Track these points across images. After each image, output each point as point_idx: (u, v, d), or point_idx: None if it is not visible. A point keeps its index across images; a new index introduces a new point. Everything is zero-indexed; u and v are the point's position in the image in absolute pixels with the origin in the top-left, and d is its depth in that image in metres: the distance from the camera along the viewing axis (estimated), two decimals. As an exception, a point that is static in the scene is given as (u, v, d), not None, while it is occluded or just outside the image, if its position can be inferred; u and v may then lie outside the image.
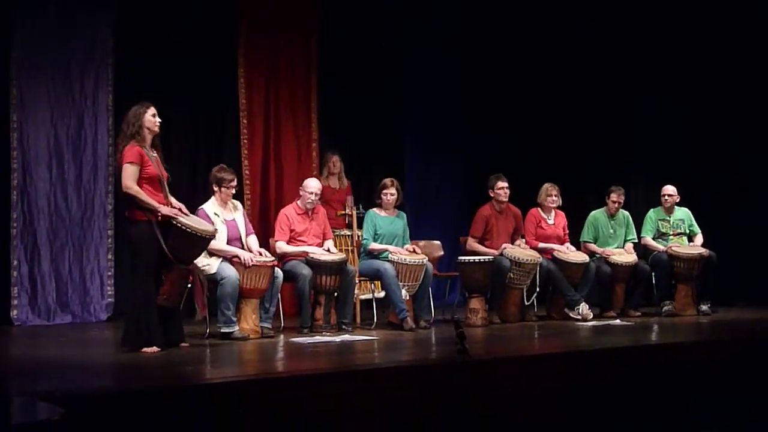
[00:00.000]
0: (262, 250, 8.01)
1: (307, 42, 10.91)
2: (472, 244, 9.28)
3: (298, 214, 8.55)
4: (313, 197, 8.52)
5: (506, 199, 9.29)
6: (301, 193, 8.63)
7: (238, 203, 8.27)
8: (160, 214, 6.69)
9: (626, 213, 10.04)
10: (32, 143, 9.42)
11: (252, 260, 7.74)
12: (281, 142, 10.70)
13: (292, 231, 8.47)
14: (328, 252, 8.43)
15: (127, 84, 9.74)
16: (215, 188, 7.96)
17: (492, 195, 9.30)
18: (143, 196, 6.65)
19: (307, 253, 8.33)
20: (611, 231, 9.86)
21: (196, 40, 10.20)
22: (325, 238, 8.63)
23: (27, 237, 9.37)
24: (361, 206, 9.34)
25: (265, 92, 10.64)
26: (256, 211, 10.34)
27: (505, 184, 9.26)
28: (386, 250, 8.63)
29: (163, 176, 6.84)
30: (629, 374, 6.32)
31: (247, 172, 10.32)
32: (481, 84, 12.19)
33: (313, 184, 8.62)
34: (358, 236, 9.18)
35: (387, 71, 11.73)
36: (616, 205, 9.83)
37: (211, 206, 7.91)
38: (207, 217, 7.70)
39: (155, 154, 6.88)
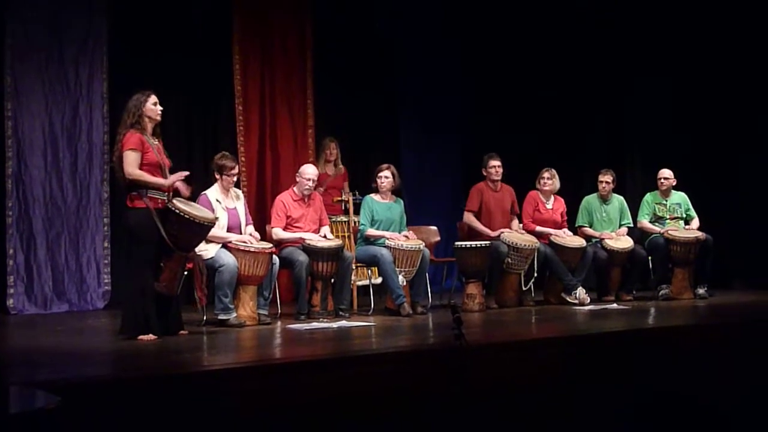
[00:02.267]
0: (257, 234, 8.04)
1: (302, 28, 10.89)
2: (469, 217, 9.31)
3: (295, 201, 8.55)
4: (309, 183, 8.51)
5: (499, 178, 9.36)
6: (297, 179, 8.62)
7: (240, 192, 8.30)
8: (159, 200, 6.69)
9: (621, 198, 10.05)
10: (27, 132, 9.40)
11: (254, 239, 7.83)
12: (277, 129, 10.69)
13: (288, 217, 8.46)
14: (324, 238, 8.43)
15: (122, 72, 9.74)
16: (217, 175, 7.98)
17: (485, 174, 9.37)
18: (147, 177, 6.66)
19: (303, 239, 8.33)
20: (604, 215, 9.86)
21: (190, 28, 10.19)
22: (321, 225, 8.63)
23: (22, 225, 9.37)
24: (357, 192, 9.34)
25: (260, 80, 10.63)
26: (253, 198, 10.33)
27: (498, 163, 9.33)
28: (383, 237, 8.63)
29: (164, 164, 6.84)
30: (626, 358, 6.33)
31: (243, 159, 10.31)
32: (477, 69, 12.16)
33: (309, 171, 8.61)
34: (355, 222, 9.18)
35: (383, 57, 11.70)
36: (604, 185, 9.82)
37: (213, 193, 7.92)
38: (208, 203, 7.72)
39: (156, 142, 6.88)
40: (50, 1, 9.56)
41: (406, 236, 8.71)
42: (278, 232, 8.42)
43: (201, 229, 6.93)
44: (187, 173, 6.90)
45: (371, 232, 8.70)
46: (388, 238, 8.59)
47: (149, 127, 6.84)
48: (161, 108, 6.91)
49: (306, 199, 8.57)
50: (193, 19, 10.22)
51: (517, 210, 9.54)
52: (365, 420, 5.16)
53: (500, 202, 9.41)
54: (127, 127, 6.74)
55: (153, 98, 6.86)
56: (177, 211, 6.73)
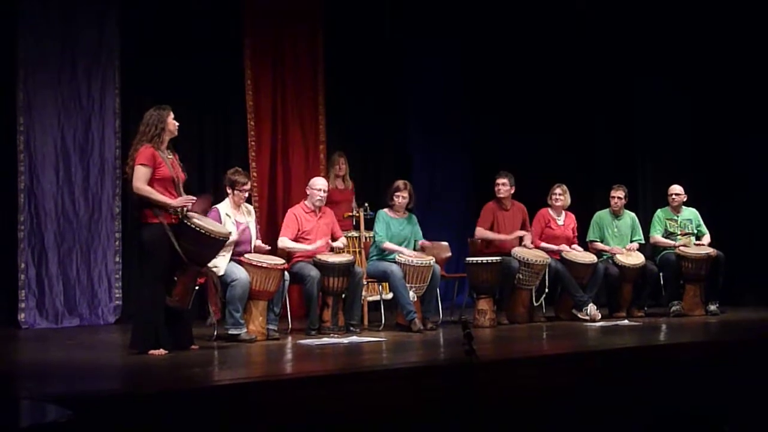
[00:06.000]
0: (264, 246, 8.13)
1: (313, 43, 10.91)
2: (481, 231, 9.30)
3: (306, 213, 8.57)
4: (321, 194, 8.56)
5: (504, 196, 9.32)
6: (308, 192, 8.65)
7: (251, 208, 8.35)
8: (173, 216, 6.70)
9: (632, 214, 10.04)
10: (39, 146, 9.44)
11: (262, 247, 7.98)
12: (289, 144, 10.70)
13: (299, 231, 8.47)
14: (334, 252, 8.44)
15: (134, 86, 9.77)
16: (229, 190, 8.01)
17: (495, 192, 9.36)
18: (154, 194, 6.65)
19: (308, 251, 8.34)
20: (616, 230, 9.85)
21: (202, 42, 10.20)
22: (335, 237, 8.65)
23: (34, 240, 9.39)
24: (368, 207, 9.33)
25: (272, 94, 10.64)
26: (264, 213, 10.34)
27: (503, 180, 9.30)
28: (399, 251, 8.62)
29: (178, 178, 6.85)
30: (637, 375, 6.31)
31: (254, 174, 10.31)
32: (487, 84, 12.16)
33: (320, 182, 8.68)
34: (366, 238, 9.19)
35: (392, 70, 11.71)
36: (615, 200, 9.82)
37: (224, 207, 7.96)
38: (218, 217, 7.75)
39: (171, 156, 6.90)
40: (62, 15, 9.59)
41: (423, 247, 8.73)
42: (285, 241, 8.43)
43: (216, 244, 6.94)
44: (194, 199, 6.89)
45: (388, 245, 8.69)
46: (398, 254, 8.58)
47: (166, 141, 6.86)
48: (177, 123, 6.94)
49: (317, 212, 8.60)
50: (205, 33, 10.24)
51: (528, 228, 9.52)
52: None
53: (511, 221, 9.37)
54: (146, 141, 6.75)
55: (172, 113, 6.90)
56: (192, 225, 6.73)
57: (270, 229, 9.93)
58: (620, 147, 11.94)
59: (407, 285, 8.38)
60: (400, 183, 8.93)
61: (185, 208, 6.79)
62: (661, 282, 9.79)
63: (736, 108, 11.15)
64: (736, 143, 11.20)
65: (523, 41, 11.91)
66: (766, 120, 10.93)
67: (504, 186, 9.30)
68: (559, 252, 9.40)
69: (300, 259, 8.37)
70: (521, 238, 9.36)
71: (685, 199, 9.96)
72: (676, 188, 9.96)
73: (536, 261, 9.04)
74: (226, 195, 8.05)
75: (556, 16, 11.72)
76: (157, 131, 6.77)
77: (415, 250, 8.80)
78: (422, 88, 12.00)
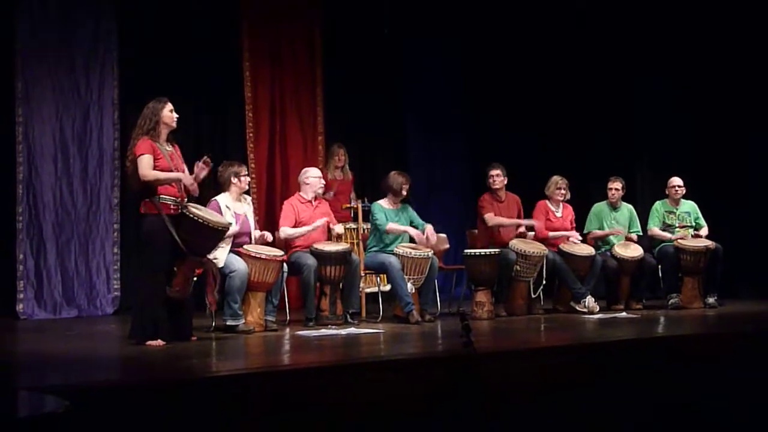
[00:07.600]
0: (266, 233, 8.15)
1: (311, 35, 10.91)
2: (492, 217, 9.27)
3: (302, 204, 8.58)
4: (321, 181, 8.66)
5: (499, 187, 9.34)
6: (307, 182, 8.64)
7: (248, 198, 8.32)
8: (173, 206, 6.70)
9: (630, 206, 10.05)
10: (38, 137, 9.44)
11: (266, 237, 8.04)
12: (287, 136, 10.70)
13: (297, 221, 8.47)
14: (331, 241, 8.45)
15: (133, 78, 9.78)
16: (233, 180, 8.00)
17: (489, 184, 9.36)
18: (163, 175, 6.68)
19: (312, 234, 8.37)
20: (614, 222, 9.87)
21: (201, 34, 10.20)
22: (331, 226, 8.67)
23: (33, 231, 9.40)
24: (366, 199, 9.34)
25: (270, 85, 10.64)
26: (263, 204, 10.34)
27: (497, 172, 9.32)
28: (406, 231, 8.65)
29: (178, 170, 6.84)
30: (635, 367, 6.31)
31: (252, 165, 10.32)
32: (484, 78, 12.14)
33: (315, 171, 8.80)
34: (364, 229, 9.19)
35: (390, 64, 11.70)
36: (613, 191, 9.84)
37: (223, 199, 7.97)
38: (218, 209, 7.75)
39: (170, 149, 6.89)
40: (60, 5, 9.59)
41: (428, 237, 8.73)
42: (285, 230, 8.43)
43: (215, 234, 6.93)
44: (205, 168, 6.90)
45: (392, 226, 8.68)
46: (408, 233, 8.64)
47: (164, 133, 6.86)
48: (177, 115, 6.93)
49: (313, 202, 8.61)
50: (204, 24, 10.23)
51: (523, 217, 9.52)
52: (373, 427, 5.15)
53: (507, 212, 9.38)
54: (143, 133, 6.76)
55: (169, 105, 6.89)
56: (191, 216, 6.73)
57: (268, 220, 9.93)
58: (619, 144, 11.95)
59: (405, 277, 8.38)
60: (405, 177, 8.91)
61: (185, 200, 6.80)
62: (660, 274, 9.80)
63: (736, 106, 11.16)
64: (736, 140, 11.22)
65: (523, 41, 11.92)
66: (765, 118, 10.95)
67: (498, 177, 9.31)
68: (557, 244, 9.41)
69: (297, 249, 8.37)
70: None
71: (684, 192, 9.96)
72: (677, 180, 9.96)
73: (533, 253, 9.04)
74: (224, 189, 8.03)
75: (556, 16, 11.72)
76: (152, 124, 6.78)
77: (423, 233, 8.77)
78: (422, 88, 12.00)
